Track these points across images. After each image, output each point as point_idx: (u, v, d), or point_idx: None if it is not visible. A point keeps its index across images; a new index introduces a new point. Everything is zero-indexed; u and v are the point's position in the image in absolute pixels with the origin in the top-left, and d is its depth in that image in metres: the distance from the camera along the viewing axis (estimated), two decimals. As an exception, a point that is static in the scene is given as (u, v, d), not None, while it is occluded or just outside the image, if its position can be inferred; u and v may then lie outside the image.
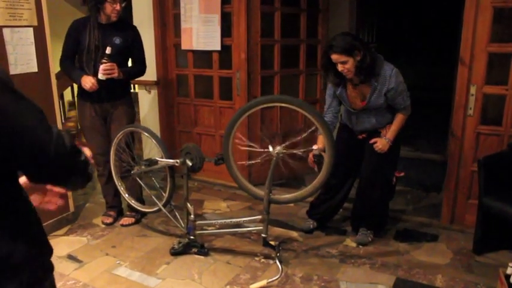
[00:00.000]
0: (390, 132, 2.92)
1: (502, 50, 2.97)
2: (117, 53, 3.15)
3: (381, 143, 2.90)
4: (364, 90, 2.89)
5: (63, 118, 5.02)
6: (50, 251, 1.24)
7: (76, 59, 3.23)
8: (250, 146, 2.86)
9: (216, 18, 3.94)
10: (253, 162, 3.09)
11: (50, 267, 1.24)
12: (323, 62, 2.92)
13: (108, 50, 3.06)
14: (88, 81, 3.09)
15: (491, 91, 3.05)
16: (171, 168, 3.04)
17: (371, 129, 2.98)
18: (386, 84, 2.79)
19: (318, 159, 2.85)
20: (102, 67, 3.07)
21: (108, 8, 3.06)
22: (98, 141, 3.34)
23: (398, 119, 2.93)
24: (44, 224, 1.27)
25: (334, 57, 2.76)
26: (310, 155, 2.91)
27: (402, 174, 3.21)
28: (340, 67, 2.77)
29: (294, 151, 2.71)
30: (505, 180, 2.90)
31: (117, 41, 3.19)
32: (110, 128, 3.36)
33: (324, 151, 2.74)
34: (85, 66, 3.16)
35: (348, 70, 2.77)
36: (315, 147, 2.90)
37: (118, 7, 3.08)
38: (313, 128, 2.72)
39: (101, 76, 3.09)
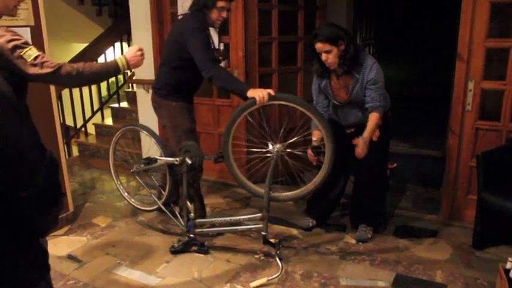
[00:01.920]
0: (367, 131, 2.77)
1: (500, 45, 2.98)
2: None
3: (361, 148, 2.73)
4: (347, 82, 2.89)
5: (61, 115, 5.01)
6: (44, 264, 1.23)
7: (182, 62, 2.99)
8: (250, 144, 2.86)
9: (214, 16, 3.92)
10: (252, 156, 3.08)
11: (46, 268, 1.24)
12: (307, 52, 2.92)
13: (221, 46, 3.08)
14: (265, 94, 2.68)
15: (489, 86, 3.06)
16: (171, 166, 3.04)
17: (359, 122, 2.96)
18: (367, 75, 2.78)
19: (317, 151, 2.86)
20: (224, 64, 3.08)
21: (215, 13, 2.94)
22: (196, 141, 3.14)
23: (374, 118, 2.78)
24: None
25: (319, 46, 2.76)
26: (309, 150, 2.91)
27: (395, 165, 3.21)
28: (324, 56, 2.77)
29: (294, 149, 2.72)
30: (504, 175, 2.91)
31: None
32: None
33: (321, 143, 2.78)
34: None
35: (332, 60, 2.77)
36: (314, 138, 2.92)
37: (225, 15, 2.99)
38: (299, 125, 2.73)
39: None
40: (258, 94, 2.68)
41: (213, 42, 3.03)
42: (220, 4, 2.91)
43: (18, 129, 1.01)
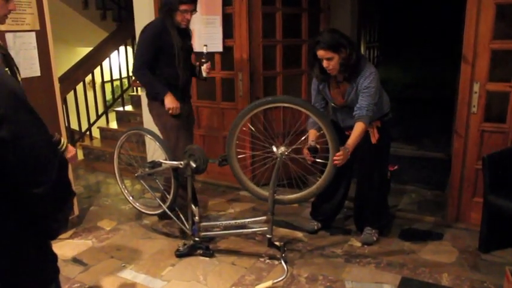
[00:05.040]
0: (350, 141, 2.71)
1: (505, 46, 2.96)
2: (190, 55, 3.34)
3: (340, 157, 2.62)
4: (345, 88, 2.88)
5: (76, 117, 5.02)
6: (52, 266, 1.24)
7: (156, 63, 3.20)
8: (254, 147, 2.86)
9: (218, 19, 3.94)
10: (254, 154, 3.08)
11: (56, 271, 1.25)
12: (309, 57, 2.92)
13: (205, 49, 3.26)
14: (175, 103, 3.19)
15: (494, 88, 3.04)
16: (175, 170, 3.04)
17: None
18: (361, 83, 2.76)
19: (313, 151, 2.85)
20: (206, 66, 3.27)
21: (179, 16, 3.11)
22: (185, 140, 3.30)
23: (358, 128, 2.73)
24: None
25: (320, 53, 2.75)
26: (305, 150, 2.90)
27: (396, 167, 3.19)
28: (325, 63, 2.76)
29: (297, 152, 2.71)
30: (510, 178, 2.89)
31: (189, 43, 3.33)
32: (189, 126, 3.45)
33: (318, 143, 2.81)
34: (178, 68, 3.20)
35: (333, 67, 2.76)
36: (310, 137, 2.91)
37: (188, 16, 3.14)
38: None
39: (205, 75, 3.30)
40: (170, 100, 3.15)
41: (179, 42, 3.15)
42: (183, 7, 3.08)
43: (32, 127, 1.03)
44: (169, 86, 3.20)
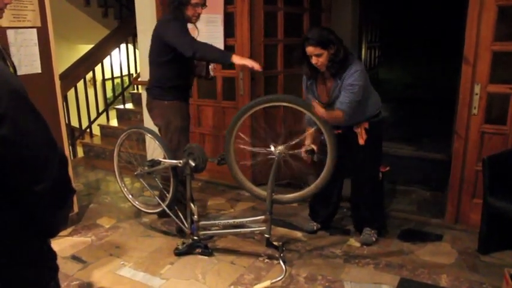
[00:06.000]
0: (327, 113, 2.70)
1: (506, 48, 2.96)
2: None
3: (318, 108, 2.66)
4: (331, 84, 2.88)
5: (66, 117, 5.02)
6: (51, 263, 1.24)
7: (164, 58, 3.09)
8: (252, 146, 2.86)
9: (219, 18, 3.94)
10: (255, 156, 3.07)
11: (55, 269, 1.25)
12: (298, 53, 2.90)
13: None
14: (245, 58, 3.06)
15: (495, 90, 3.04)
16: (174, 169, 3.04)
17: (344, 125, 2.92)
18: (346, 80, 2.76)
19: (311, 153, 2.85)
20: (213, 65, 3.24)
21: (190, 11, 3.03)
22: (186, 141, 3.24)
23: (337, 113, 2.74)
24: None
25: (309, 49, 2.75)
26: (303, 152, 2.90)
27: (387, 169, 3.19)
28: (314, 59, 2.77)
29: (296, 151, 2.71)
30: (509, 180, 2.89)
31: None
32: (189, 126, 3.38)
33: (315, 145, 2.82)
34: (189, 65, 3.15)
35: (321, 63, 2.76)
36: (307, 142, 2.91)
37: (200, 10, 3.08)
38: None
39: (212, 73, 3.25)
40: (248, 61, 2.90)
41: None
42: (194, 1, 3.01)
43: (33, 125, 1.03)
44: (179, 83, 3.16)
